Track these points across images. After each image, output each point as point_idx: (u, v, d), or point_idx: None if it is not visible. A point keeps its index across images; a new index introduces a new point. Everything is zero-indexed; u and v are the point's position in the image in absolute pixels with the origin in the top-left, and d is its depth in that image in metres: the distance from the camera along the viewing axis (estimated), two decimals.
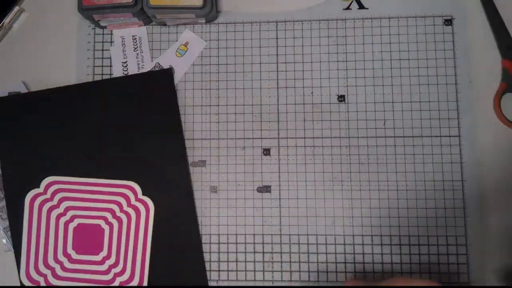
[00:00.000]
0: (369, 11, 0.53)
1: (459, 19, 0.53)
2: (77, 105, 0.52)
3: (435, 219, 0.50)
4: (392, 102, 0.52)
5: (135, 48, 0.54)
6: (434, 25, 0.53)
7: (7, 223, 0.51)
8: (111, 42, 0.55)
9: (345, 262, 0.50)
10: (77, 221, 0.50)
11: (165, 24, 0.54)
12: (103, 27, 0.54)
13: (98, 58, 0.54)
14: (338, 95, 0.53)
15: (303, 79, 0.53)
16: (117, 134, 0.51)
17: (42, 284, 0.50)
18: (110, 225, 0.50)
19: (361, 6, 0.54)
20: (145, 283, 0.49)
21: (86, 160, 0.51)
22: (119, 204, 0.51)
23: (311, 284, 0.50)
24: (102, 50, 0.54)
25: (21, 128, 0.52)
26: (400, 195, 0.51)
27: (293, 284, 0.50)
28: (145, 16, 0.52)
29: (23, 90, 0.53)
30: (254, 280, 0.50)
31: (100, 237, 0.50)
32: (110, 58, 0.54)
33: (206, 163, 0.52)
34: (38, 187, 0.51)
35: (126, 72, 0.54)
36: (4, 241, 0.51)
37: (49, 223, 0.50)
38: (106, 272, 0.50)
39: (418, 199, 0.50)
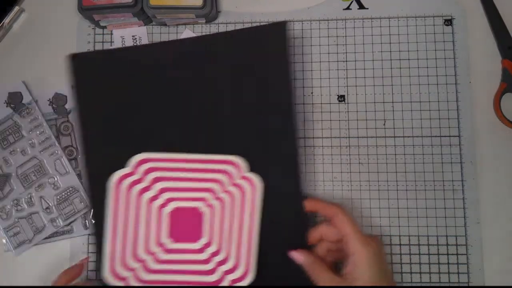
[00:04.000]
0: (369, 11, 0.53)
1: (459, 19, 0.53)
2: (170, 69, 0.46)
3: (435, 219, 0.50)
4: (392, 102, 0.52)
5: None
6: (434, 25, 0.53)
7: (7, 223, 0.51)
8: (111, 42, 0.55)
9: None
10: (172, 205, 0.44)
11: (165, 24, 0.54)
12: (103, 27, 0.54)
13: None
14: (338, 95, 0.53)
15: (303, 79, 0.53)
16: (217, 103, 0.45)
17: (131, 280, 0.43)
18: (211, 207, 0.44)
19: (361, 6, 0.54)
20: (251, 273, 0.43)
21: (182, 133, 0.45)
22: (220, 183, 0.44)
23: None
24: None
25: (107, 96, 0.45)
26: (400, 195, 0.51)
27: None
28: (145, 16, 0.52)
29: (23, 90, 0.53)
30: None
31: (198, 222, 0.44)
32: None
33: None
34: (127, 166, 0.44)
35: None
36: (4, 241, 0.51)
37: (140, 208, 0.44)
38: (207, 261, 0.44)
39: (418, 199, 0.50)
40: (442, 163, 0.50)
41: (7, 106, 0.53)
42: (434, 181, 0.50)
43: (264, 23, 0.54)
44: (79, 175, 0.52)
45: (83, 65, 0.46)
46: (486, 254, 0.49)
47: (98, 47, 0.54)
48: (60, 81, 0.54)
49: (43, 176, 0.52)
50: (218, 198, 0.44)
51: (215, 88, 0.45)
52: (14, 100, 0.53)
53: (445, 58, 0.52)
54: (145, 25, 0.54)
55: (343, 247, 0.42)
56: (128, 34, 0.54)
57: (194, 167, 0.44)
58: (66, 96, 0.53)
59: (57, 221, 0.51)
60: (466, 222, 0.49)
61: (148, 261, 0.44)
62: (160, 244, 0.44)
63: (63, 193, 0.51)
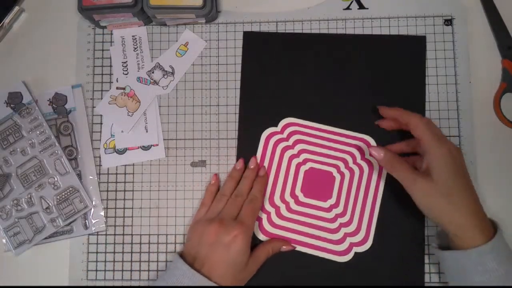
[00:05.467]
0: (369, 11, 0.53)
1: (459, 19, 0.53)
2: (325, 54, 0.52)
3: None
4: None
5: (135, 48, 0.54)
6: (434, 25, 0.53)
7: (7, 223, 0.51)
8: (111, 42, 0.55)
9: None
10: (309, 165, 0.50)
11: (165, 24, 0.54)
12: (103, 27, 0.54)
13: (98, 58, 0.54)
14: None
15: None
16: (360, 88, 0.51)
17: (265, 222, 0.50)
18: (342, 175, 0.50)
19: (361, 6, 0.54)
20: (370, 241, 0.49)
21: (325, 107, 0.51)
22: (352, 156, 0.50)
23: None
24: (102, 50, 0.54)
25: (268, 66, 0.52)
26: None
27: None
28: (145, 16, 0.52)
29: (23, 90, 0.53)
30: None
31: (330, 185, 0.50)
32: (110, 58, 0.54)
33: (206, 163, 0.52)
34: (276, 126, 0.51)
35: (126, 73, 0.53)
36: (4, 241, 0.51)
37: (281, 162, 0.51)
38: (332, 220, 0.49)
39: None
40: None
41: (7, 106, 0.53)
42: None
43: (264, 23, 0.54)
44: (79, 175, 0.52)
45: (253, 41, 0.53)
46: None
47: (98, 47, 0.54)
48: (60, 81, 0.54)
49: (43, 176, 0.52)
50: (349, 168, 0.50)
51: (356, 80, 0.52)
52: (14, 100, 0.53)
53: (445, 58, 0.52)
54: (145, 25, 0.54)
55: (419, 151, 0.45)
56: (128, 34, 0.54)
57: (331, 137, 0.51)
58: (66, 96, 0.53)
59: (57, 221, 0.51)
60: None
61: (281, 208, 0.50)
62: (294, 196, 0.50)
63: (63, 193, 0.51)
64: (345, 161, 0.50)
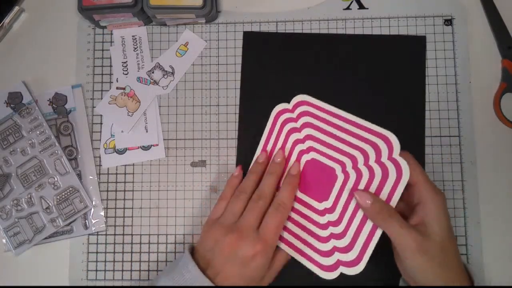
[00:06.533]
0: (369, 11, 0.53)
1: (459, 19, 0.53)
2: (325, 54, 0.52)
3: None
4: None
5: (135, 48, 0.54)
6: (434, 25, 0.53)
7: (7, 223, 0.51)
8: (111, 42, 0.55)
9: None
10: (312, 155, 0.44)
11: (165, 24, 0.54)
12: (103, 27, 0.54)
13: (98, 58, 0.54)
14: None
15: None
16: (359, 88, 0.50)
17: None
18: (346, 176, 0.42)
19: (361, 6, 0.54)
20: (362, 266, 0.39)
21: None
22: (365, 155, 0.41)
23: None
24: (102, 50, 0.54)
25: (268, 66, 0.52)
26: None
27: None
28: (145, 16, 0.52)
29: (23, 90, 0.53)
30: None
31: (329, 184, 0.42)
32: (110, 58, 0.54)
33: (206, 163, 0.52)
34: (288, 102, 0.47)
35: (126, 73, 0.53)
36: (4, 241, 0.51)
37: (285, 145, 0.46)
38: (323, 226, 0.42)
39: None
40: (442, 163, 0.50)
41: (7, 106, 0.53)
42: (434, 181, 0.50)
43: (264, 23, 0.54)
44: (79, 175, 0.52)
45: (253, 41, 0.53)
46: (486, 254, 0.49)
47: (98, 47, 0.54)
48: (60, 81, 0.54)
49: (43, 176, 0.52)
50: (356, 169, 0.41)
51: (356, 80, 0.51)
52: (14, 100, 0.53)
53: (445, 58, 0.52)
54: (145, 25, 0.54)
55: (409, 198, 0.39)
56: (128, 34, 0.54)
57: (346, 127, 0.42)
58: (66, 96, 0.53)
59: (57, 221, 0.51)
60: (466, 222, 0.49)
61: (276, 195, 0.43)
62: None
63: (63, 193, 0.51)
64: (354, 159, 0.42)
